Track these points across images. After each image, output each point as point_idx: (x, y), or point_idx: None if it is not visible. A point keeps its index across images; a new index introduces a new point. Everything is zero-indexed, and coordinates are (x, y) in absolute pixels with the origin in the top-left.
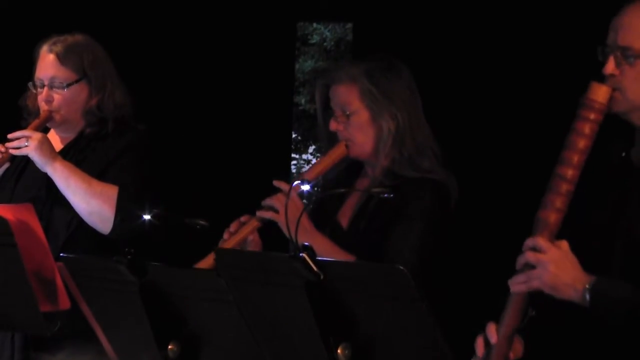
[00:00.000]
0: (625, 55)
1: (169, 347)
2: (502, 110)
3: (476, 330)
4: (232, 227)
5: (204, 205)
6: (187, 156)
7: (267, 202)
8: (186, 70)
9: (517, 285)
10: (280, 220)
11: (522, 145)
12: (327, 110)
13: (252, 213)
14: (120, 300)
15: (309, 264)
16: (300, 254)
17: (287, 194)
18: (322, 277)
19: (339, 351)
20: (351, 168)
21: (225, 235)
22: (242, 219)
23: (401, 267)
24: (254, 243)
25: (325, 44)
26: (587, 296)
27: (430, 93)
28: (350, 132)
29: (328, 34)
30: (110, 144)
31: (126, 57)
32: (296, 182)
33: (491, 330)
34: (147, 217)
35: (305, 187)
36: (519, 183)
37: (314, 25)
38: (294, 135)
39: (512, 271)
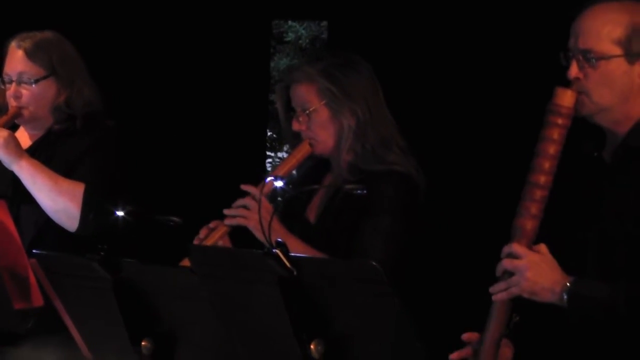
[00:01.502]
0: (587, 58)
1: (142, 343)
2: (478, 109)
3: (449, 327)
4: (202, 233)
5: (178, 202)
6: (160, 153)
7: (235, 206)
8: (160, 67)
9: (499, 294)
10: (249, 224)
11: (497, 141)
12: (289, 111)
13: (227, 208)
14: (93, 297)
15: (282, 260)
16: (274, 250)
17: (260, 193)
18: (295, 273)
19: (312, 347)
20: (319, 164)
21: (195, 242)
22: (211, 224)
23: (374, 263)
24: None
25: (300, 41)
26: (565, 297)
27: (404, 89)
28: (312, 131)
29: (303, 32)
30: (78, 141)
31: (99, 54)
32: (269, 178)
33: (474, 338)
34: (119, 213)
35: (279, 184)
36: (494, 176)
37: (289, 23)
38: (269, 133)
39: (487, 265)
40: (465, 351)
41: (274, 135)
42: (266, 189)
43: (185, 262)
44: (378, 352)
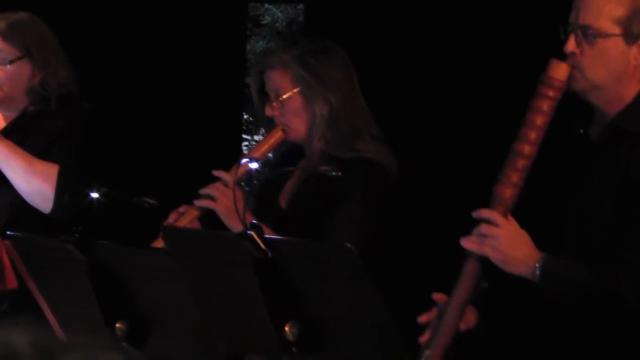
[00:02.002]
0: (586, 34)
1: (117, 325)
2: (457, 96)
3: (421, 309)
4: (171, 217)
5: (153, 184)
6: (136, 135)
7: (205, 191)
8: (136, 50)
9: (470, 242)
10: (218, 208)
11: (479, 123)
12: (263, 96)
13: (200, 194)
14: (67, 279)
15: (257, 242)
16: (248, 232)
17: (233, 177)
18: (270, 255)
19: (286, 329)
20: (294, 150)
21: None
22: (181, 209)
23: (349, 245)
24: None
25: (277, 24)
26: (538, 273)
27: (380, 74)
28: (285, 118)
29: (280, 14)
30: (53, 122)
31: (75, 37)
32: (244, 160)
33: (443, 300)
34: (94, 195)
35: (254, 166)
36: (472, 165)
37: (266, 6)
38: (245, 117)
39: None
40: (433, 312)
41: (250, 119)
42: (240, 172)
43: (158, 243)
44: (353, 333)
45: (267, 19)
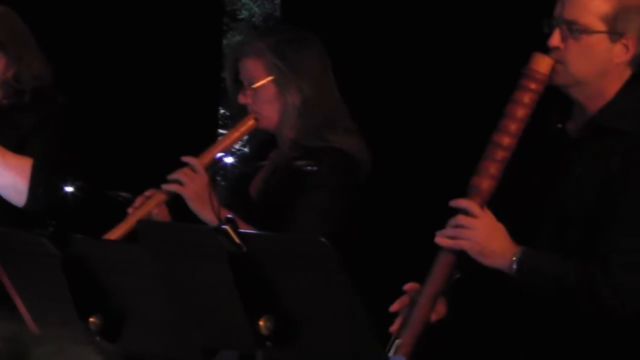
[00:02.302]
0: (571, 29)
1: (91, 319)
2: (440, 80)
3: (389, 300)
4: (137, 202)
5: (129, 178)
6: (112, 129)
7: (173, 175)
8: (112, 44)
9: (444, 238)
10: (185, 193)
11: (457, 114)
12: (237, 84)
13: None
14: (41, 273)
15: (231, 236)
16: (223, 226)
17: (207, 162)
18: (244, 249)
19: (261, 323)
20: (266, 140)
21: (130, 210)
22: (147, 193)
23: (322, 239)
24: (160, 217)
25: (254, 19)
26: (515, 266)
27: (358, 69)
28: (258, 106)
29: (257, 9)
30: (27, 115)
31: (49, 30)
32: (219, 155)
33: (415, 289)
34: (68, 189)
35: (229, 160)
36: (447, 156)
37: (243, 0)
38: (221, 111)
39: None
40: (404, 299)
41: (227, 113)
42: (206, 160)
43: (112, 234)
44: (328, 327)
45: (244, 14)
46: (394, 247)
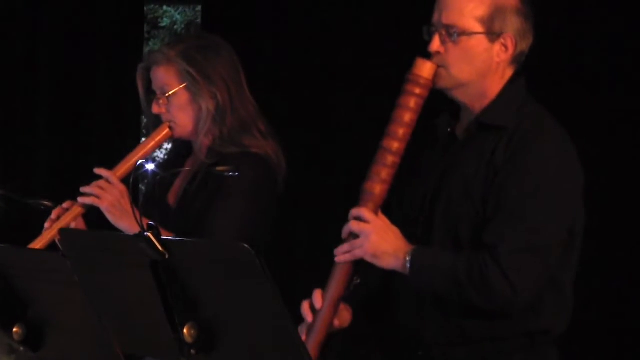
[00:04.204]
0: (450, 33)
1: (14, 329)
2: (350, 92)
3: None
4: (54, 214)
5: (52, 188)
6: (33, 139)
7: (87, 189)
8: (30, 53)
9: (342, 255)
10: (101, 205)
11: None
12: (150, 94)
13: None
14: None
15: (153, 243)
16: (145, 233)
17: (122, 173)
18: (167, 256)
19: (185, 331)
20: (183, 147)
21: (47, 224)
22: (65, 205)
23: (245, 245)
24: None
25: (175, 27)
26: (408, 265)
27: (277, 74)
28: (171, 114)
29: (179, 17)
30: None
31: None
32: (140, 161)
33: (317, 296)
34: None
35: (150, 167)
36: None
37: (164, 8)
38: (145, 121)
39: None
40: (305, 307)
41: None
42: (122, 171)
43: (36, 244)
44: (252, 334)
45: (165, 21)
46: (311, 251)
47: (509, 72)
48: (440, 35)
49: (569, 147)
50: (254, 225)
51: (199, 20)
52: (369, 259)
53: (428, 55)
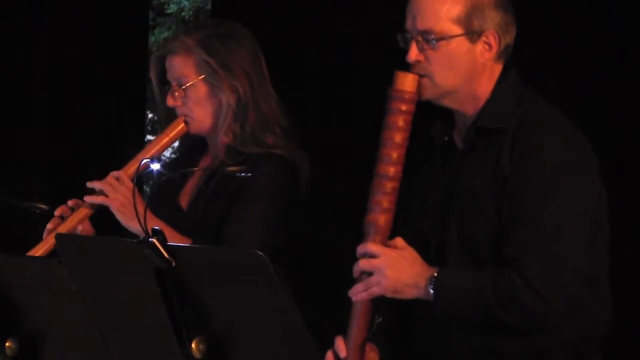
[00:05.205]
0: (427, 39)
1: (7, 344)
2: (371, 85)
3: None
4: (57, 212)
5: (48, 189)
6: (33, 138)
7: (95, 185)
8: (32, 42)
9: (358, 294)
10: (110, 204)
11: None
12: (164, 85)
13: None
14: None
15: (159, 249)
16: (150, 239)
17: (134, 172)
18: (173, 263)
19: (193, 346)
20: (196, 144)
21: (50, 225)
22: (70, 203)
23: (258, 251)
24: (85, 233)
25: (183, 14)
26: (432, 291)
27: (289, 64)
28: (188, 108)
29: (186, 3)
30: None
31: None
32: (145, 160)
33: (339, 344)
34: None
35: (156, 166)
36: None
37: None
38: (149, 116)
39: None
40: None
41: (155, 118)
42: (132, 169)
43: (36, 251)
44: (265, 347)
45: (172, 8)
46: (335, 258)
47: (497, 69)
48: (417, 42)
49: (574, 135)
50: (276, 231)
51: (208, 7)
52: (389, 295)
53: (407, 66)
